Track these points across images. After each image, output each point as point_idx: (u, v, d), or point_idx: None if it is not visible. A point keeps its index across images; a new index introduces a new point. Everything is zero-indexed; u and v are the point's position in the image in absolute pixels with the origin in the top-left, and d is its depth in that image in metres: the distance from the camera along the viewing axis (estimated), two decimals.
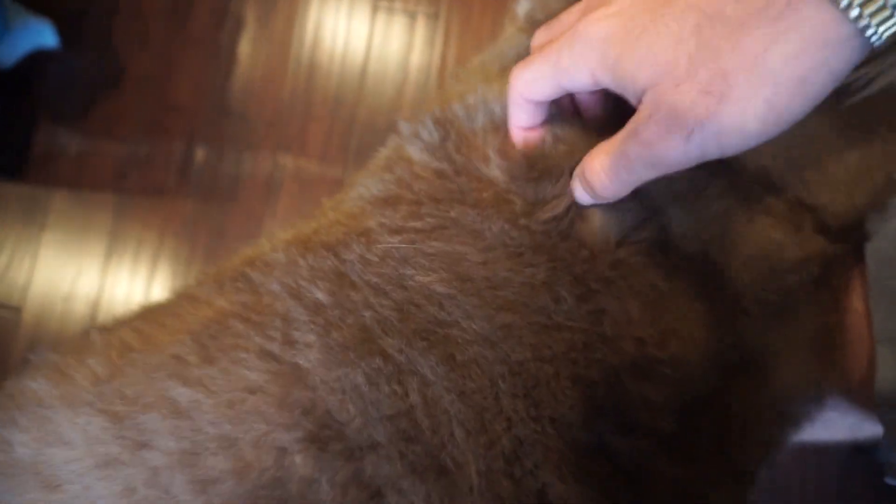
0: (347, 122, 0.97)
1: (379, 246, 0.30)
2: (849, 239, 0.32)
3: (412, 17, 0.98)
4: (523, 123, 0.30)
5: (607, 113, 0.31)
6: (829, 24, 0.21)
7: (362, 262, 0.30)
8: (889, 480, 0.31)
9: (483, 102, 0.33)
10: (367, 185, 0.33)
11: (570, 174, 0.30)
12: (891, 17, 0.21)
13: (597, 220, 0.29)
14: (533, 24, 0.34)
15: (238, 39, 0.99)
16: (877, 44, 0.21)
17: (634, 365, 0.29)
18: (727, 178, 0.31)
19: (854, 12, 0.21)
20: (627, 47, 0.24)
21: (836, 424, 0.37)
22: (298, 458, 0.26)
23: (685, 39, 0.23)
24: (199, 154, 0.97)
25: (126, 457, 0.26)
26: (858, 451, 0.86)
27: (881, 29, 0.21)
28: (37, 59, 0.95)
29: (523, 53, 0.33)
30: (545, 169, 0.30)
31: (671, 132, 0.24)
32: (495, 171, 0.31)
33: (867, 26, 0.21)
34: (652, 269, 0.29)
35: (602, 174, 0.27)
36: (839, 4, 0.21)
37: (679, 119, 0.23)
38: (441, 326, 0.28)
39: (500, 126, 0.32)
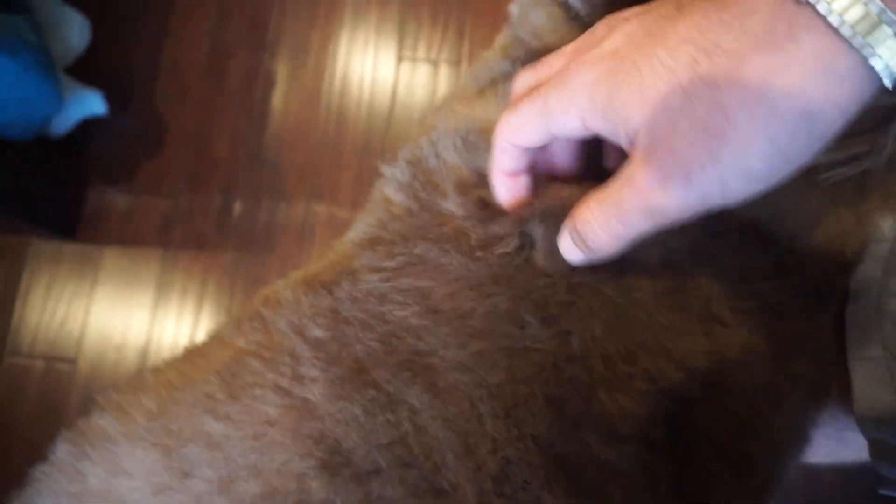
0: (375, 169, 1.00)
1: (360, 285, 0.32)
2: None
3: (435, 65, 1.01)
4: (506, 168, 0.29)
5: (581, 170, 0.30)
6: (831, 54, 0.19)
7: (350, 299, 0.32)
8: (882, 491, 0.31)
9: (445, 136, 0.34)
10: (356, 226, 0.36)
11: (522, 215, 0.31)
12: (890, 39, 0.19)
13: (549, 248, 0.30)
14: (516, 42, 0.35)
15: (270, 94, 1.04)
16: (888, 79, 0.20)
17: (606, 381, 0.29)
18: None
19: (846, 31, 0.19)
20: (618, 86, 0.23)
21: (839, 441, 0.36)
22: (315, 484, 0.28)
23: (679, 74, 0.21)
24: (237, 205, 1.01)
25: (175, 484, 0.29)
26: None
27: (886, 57, 0.19)
28: (86, 123, 1.02)
29: (498, 77, 0.35)
30: (497, 209, 0.31)
31: (669, 177, 0.22)
32: (452, 205, 0.32)
33: (871, 54, 0.19)
34: (610, 285, 0.30)
35: (596, 227, 0.25)
36: (838, 31, 0.19)
37: (677, 161, 0.22)
38: (421, 356, 0.30)
39: (459, 160, 0.33)
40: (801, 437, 0.33)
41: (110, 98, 1.02)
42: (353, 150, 1.00)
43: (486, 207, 0.32)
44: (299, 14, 1.06)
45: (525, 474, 0.28)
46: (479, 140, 0.34)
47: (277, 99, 1.04)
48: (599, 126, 0.24)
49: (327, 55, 1.03)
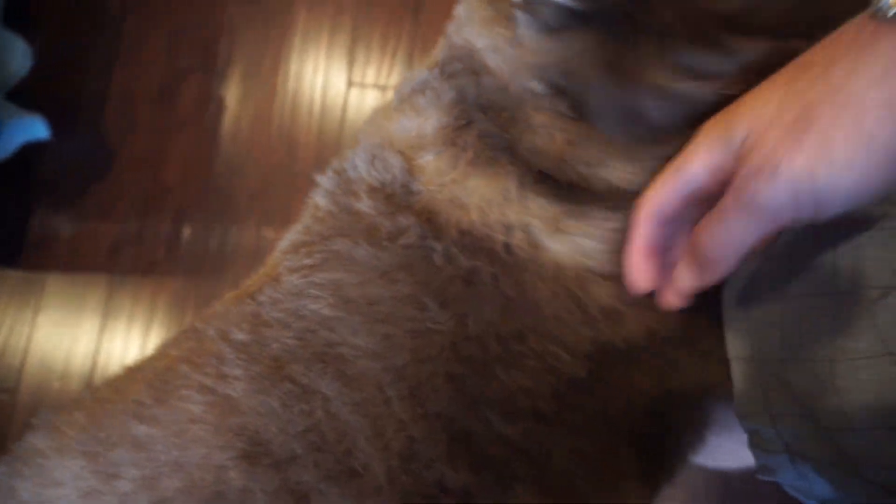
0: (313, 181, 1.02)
1: (281, 287, 0.36)
2: None
3: (383, 90, 1.03)
4: (643, 240, 0.31)
5: None
6: None
7: (271, 302, 0.36)
8: (760, 476, 0.33)
9: (362, 149, 0.38)
10: (286, 236, 0.40)
11: (420, 209, 0.35)
12: None
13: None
14: (449, 58, 0.37)
15: (222, 118, 1.04)
16: None
17: (501, 359, 0.32)
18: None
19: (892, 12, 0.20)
20: (732, 109, 0.26)
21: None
22: (234, 473, 0.31)
23: (778, 90, 0.24)
24: (187, 230, 1.00)
25: (102, 487, 0.32)
26: None
27: None
28: (30, 147, 1.00)
29: (416, 88, 0.39)
30: (403, 204, 0.35)
31: (760, 170, 0.24)
32: (364, 206, 0.36)
33: None
34: (504, 280, 0.33)
35: (704, 238, 0.27)
36: None
37: (766, 156, 0.23)
38: (332, 347, 0.33)
39: (368, 171, 0.37)
40: (692, 420, 0.36)
41: (57, 122, 1.00)
42: (304, 173, 1.01)
43: (393, 203, 0.36)
44: (250, 38, 1.07)
45: (430, 452, 0.31)
46: (384, 153, 0.37)
47: (228, 123, 1.04)
48: (717, 151, 0.26)
49: (278, 80, 1.04)
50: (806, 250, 0.30)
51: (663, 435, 0.36)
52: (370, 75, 1.03)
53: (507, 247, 0.34)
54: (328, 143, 1.02)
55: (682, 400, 0.36)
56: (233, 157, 1.03)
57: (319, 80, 1.04)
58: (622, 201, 0.33)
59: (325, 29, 1.06)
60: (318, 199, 0.39)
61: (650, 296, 0.33)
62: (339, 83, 1.04)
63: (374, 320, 0.33)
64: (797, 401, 0.29)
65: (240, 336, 0.35)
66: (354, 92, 1.03)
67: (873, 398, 0.26)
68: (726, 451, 0.43)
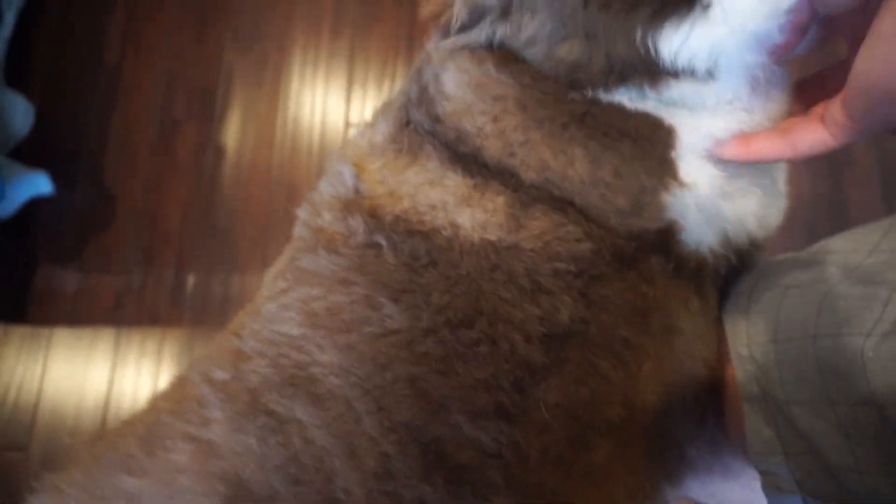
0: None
1: (259, 317, 0.36)
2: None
3: None
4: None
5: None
6: None
7: (251, 334, 0.36)
8: None
9: (329, 172, 0.40)
10: (269, 271, 0.40)
11: (367, 208, 0.36)
12: None
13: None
14: (416, 87, 0.39)
15: (220, 164, 1.04)
16: None
17: (456, 351, 0.32)
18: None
19: None
20: None
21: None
22: None
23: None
24: (190, 278, 1.00)
25: None
26: None
27: None
28: (32, 202, 1.01)
29: (386, 104, 0.40)
30: (351, 209, 0.37)
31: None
32: (324, 220, 0.37)
33: None
34: (441, 261, 0.34)
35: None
36: None
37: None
38: (302, 368, 0.33)
39: (329, 190, 0.39)
40: (672, 411, 0.36)
41: (57, 175, 1.01)
42: None
43: (346, 209, 0.37)
44: (247, 83, 1.07)
45: (404, 467, 0.31)
46: (339, 167, 0.39)
47: (227, 169, 1.04)
48: None
49: (276, 124, 1.04)
50: (806, 296, 0.31)
51: (648, 427, 0.35)
52: (368, 113, 1.03)
53: (434, 227, 0.35)
54: None
55: (659, 389, 0.35)
56: (232, 202, 1.02)
57: (317, 121, 1.04)
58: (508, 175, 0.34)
59: (321, 71, 1.06)
60: (296, 230, 0.40)
61: (578, 274, 0.34)
62: (337, 123, 1.03)
63: (337, 331, 0.34)
64: (806, 439, 0.30)
65: (220, 375, 0.35)
66: (353, 130, 1.03)
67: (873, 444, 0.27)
68: (735, 497, 0.43)
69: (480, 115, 0.35)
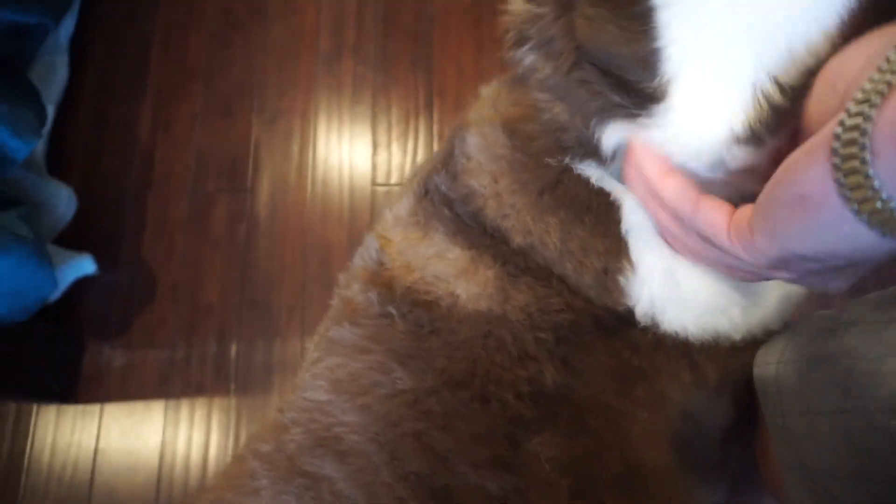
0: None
1: (297, 388, 0.39)
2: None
3: None
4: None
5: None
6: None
7: (288, 404, 0.39)
8: None
9: (363, 246, 0.43)
10: (311, 338, 0.44)
11: (384, 280, 0.39)
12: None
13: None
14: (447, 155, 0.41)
15: (255, 235, 1.08)
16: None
17: (455, 409, 0.35)
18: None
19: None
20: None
21: None
22: None
23: None
24: (233, 349, 1.03)
25: None
26: None
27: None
28: (77, 283, 1.05)
29: (411, 178, 0.42)
30: (374, 281, 0.39)
31: None
32: (352, 291, 0.40)
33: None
34: (442, 329, 0.37)
35: None
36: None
37: None
38: (329, 429, 0.36)
39: (360, 263, 0.42)
40: (681, 466, 0.37)
41: (99, 256, 1.05)
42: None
43: (369, 281, 0.40)
44: (275, 154, 1.11)
45: None
46: (368, 240, 0.42)
47: (261, 239, 1.07)
48: None
49: (305, 191, 1.08)
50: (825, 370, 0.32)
51: (661, 486, 0.36)
52: (394, 177, 1.06)
53: (437, 297, 0.38)
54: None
55: (658, 452, 0.36)
56: (268, 271, 1.06)
57: (345, 185, 1.07)
58: (500, 245, 0.37)
59: (345, 137, 1.10)
60: (333, 298, 0.44)
61: (558, 343, 0.36)
62: (364, 186, 1.07)
63: (357, 394, 0.37)
64: None
65: (265, 448, 0.38)
66: (380, 192, 1.06)
67: None
68: None
69: (486, 175, 0.38)
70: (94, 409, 1.03)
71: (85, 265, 1.02)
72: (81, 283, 1.05)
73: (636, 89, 0.30)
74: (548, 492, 0.34)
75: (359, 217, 1.06)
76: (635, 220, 0.35)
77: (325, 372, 0.38)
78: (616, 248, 0.35)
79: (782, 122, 0.28)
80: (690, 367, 0.37)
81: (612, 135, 0.32)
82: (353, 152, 1.08)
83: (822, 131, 0.23)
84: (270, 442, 0.38)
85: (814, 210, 0.23)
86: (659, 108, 0.30)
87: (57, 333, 1.04)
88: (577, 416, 0.35)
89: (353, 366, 0.38)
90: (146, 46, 1.22)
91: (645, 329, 0.36)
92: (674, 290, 0.35)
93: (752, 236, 0.27)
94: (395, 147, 1.07)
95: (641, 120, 0.30)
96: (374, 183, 1.06)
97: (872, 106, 0.21)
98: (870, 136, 0.21)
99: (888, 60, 0.21)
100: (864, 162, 0.21)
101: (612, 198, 0.35)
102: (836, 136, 0.22)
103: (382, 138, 1.08)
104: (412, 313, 0.38)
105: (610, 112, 0.31)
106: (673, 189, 0.31)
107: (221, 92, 1.16)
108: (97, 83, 1.20)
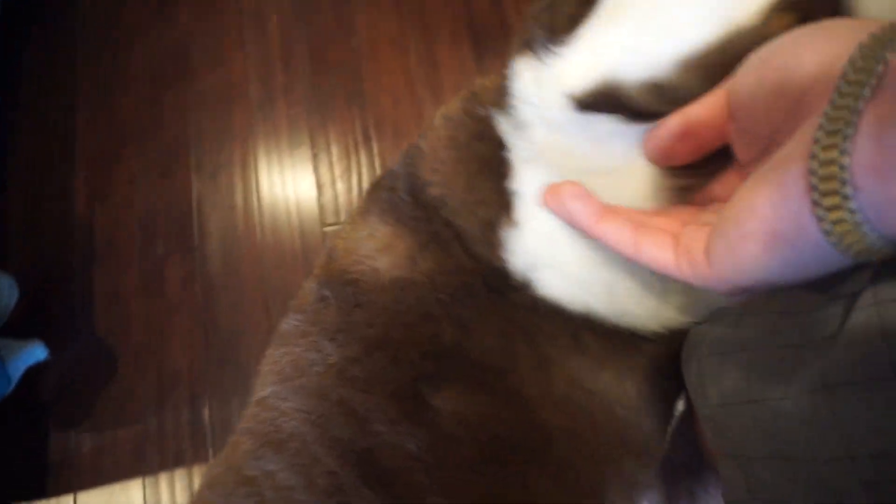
0: None
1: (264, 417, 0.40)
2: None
3: None
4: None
5: None
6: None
7: (242, 419, 0.40)
8: None
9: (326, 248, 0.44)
10: None
11: (329, 269, 0.41)
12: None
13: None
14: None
15: (211, 292, 1.06)
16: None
17: (373, 371, 0.37)
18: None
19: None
20: None
21: None
22: None
23: None
24: (206, 411, 1.00)
25: None
26: None
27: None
28: (33, 372, 1.00)
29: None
30: (316, 277, 0.41)
31: None
32: (304, 289, 0.42)
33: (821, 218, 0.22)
34: (368, 305, 0.39)
35: None
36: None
37: None
38: (273, 423, 0.37)
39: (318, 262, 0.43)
40: (584, 438, 0.38)
41: (52, 339, 1.01)
42: None
43: (318, 275, 0.41)
44: (219, 206, 1.10)
45: (348, 480, 0.34)
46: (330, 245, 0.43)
47: (220, 294, 1.06)
48: None
49: (256, 240, 1.07)
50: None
51: (569, 452, 0.37)
52: (342, 213, 1.06)
53: (363, 273, 0.39)
54: None
55: (558, 416, 0.37)
56: (232, 325, 1.04)
57: (296, 229, 1.07)
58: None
59: (289, 181, 1.09)
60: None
61: (451, 304, 0.38)
62: (314, 228, 1.06)
63: (295, 378, 0.38)
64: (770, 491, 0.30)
65: (214, 471, 0.38)
66: (331, 231, 1.06)
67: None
68: None
69: (433, 135, 0.40)
70: (68, 499, 0.99)
71: (36, 352, 0.98)
72: (38, 372, 1.01)
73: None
74: (457, 448, 0.35)
75: (313, 259, 1.05)
76: (526, 182, 0.36)
77: (272, 365, 0.40)
78: (507, 204, 0.36)
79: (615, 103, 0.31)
80: (570, 333, 0.37)
81: (523, 72, 0.35)
82: (299, 195, 1.08)
83: (779, 158, 0.23)
84: (221, 465, 0.38)
85: (788, 245, 0.23)
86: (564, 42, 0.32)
87: (16, 424, 0.99)
88: (473, 374, 0.37)
89: (295, 351, 0.39)
90: (71, 113, 1.19)
91: (524, 289, 0.37)
92: (551, 253, 0.35)
93: (711, 270, 0.26)
94: (339, 185, 1.07)
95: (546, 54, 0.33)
96: (323, 224, 1.06)
97: (846, 138, 0.20)
98: (849, 171, 0.20)
99: (847, 82, 0.21)
100: (845, 197, 0.21)
101: (510, 156, 0.36)
102: (813, 172, 0.21)
103: (326, 177, 1.08)
104: (343, 292, 0.40)
105: (524, 47, 0.34)
106: (610, 234, 0.31)
107: (156, 153, 1.14)
108: (25, 160, 1.17)
